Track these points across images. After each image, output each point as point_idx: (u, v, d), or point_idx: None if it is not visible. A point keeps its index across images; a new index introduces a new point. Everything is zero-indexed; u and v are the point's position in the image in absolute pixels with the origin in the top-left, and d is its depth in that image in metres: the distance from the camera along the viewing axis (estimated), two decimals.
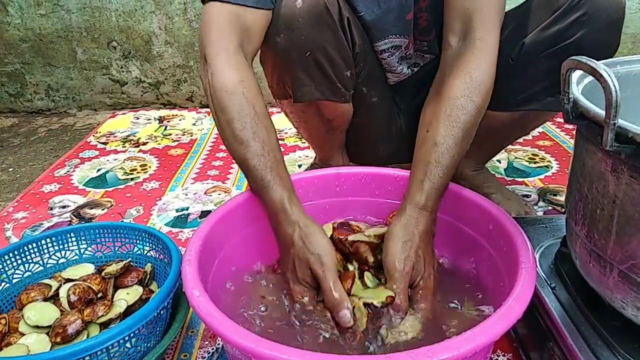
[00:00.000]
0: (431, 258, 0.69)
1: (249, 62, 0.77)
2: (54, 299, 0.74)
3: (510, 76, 0.89)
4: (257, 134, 0.69)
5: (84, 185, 1.36)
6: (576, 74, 0.58)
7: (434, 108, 0.74)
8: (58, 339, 0.66)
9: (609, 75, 0.45)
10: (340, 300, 0.62)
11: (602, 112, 0.47)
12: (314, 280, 0.66)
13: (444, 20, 0.85)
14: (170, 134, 1.74)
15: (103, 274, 0.77)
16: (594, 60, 0.48)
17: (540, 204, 1.17)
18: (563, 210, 1.13)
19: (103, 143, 1.68)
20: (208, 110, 2.00)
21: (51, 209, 1.24)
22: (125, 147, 1.64)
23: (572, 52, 0.81)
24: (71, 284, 0.74)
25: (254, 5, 0.74)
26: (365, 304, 0.64)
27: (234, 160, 0.73)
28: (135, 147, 1.63)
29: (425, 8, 0.91)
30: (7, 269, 0.79)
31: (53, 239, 0.83)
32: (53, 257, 0.84)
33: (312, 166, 1.26)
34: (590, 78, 0.60)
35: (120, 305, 0.72)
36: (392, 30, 0.91)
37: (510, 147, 1.47)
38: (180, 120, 1.89)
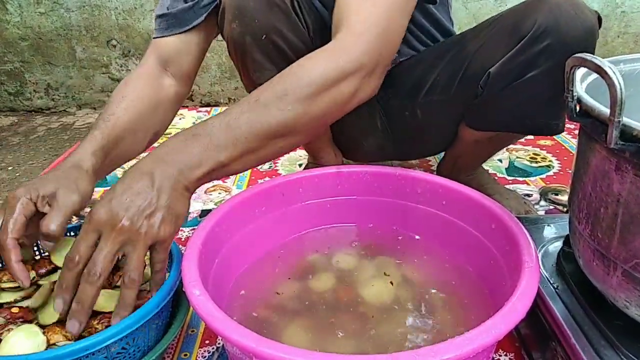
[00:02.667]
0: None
1: (170, 78, 0.88)
2: None
3: (482, 104, 0.86)
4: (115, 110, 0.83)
5: None
6: (580, 72, 0.58)
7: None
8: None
9: (614, 73, 0.45)
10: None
11: (607, 110, 0.47)
12: None
13: None
14: (170, 133, 1.73)
15: None
16: (598, 58, 0.48)
17: (542, 203, 1.17)
18: (565, 209, 1.12)
19: None
20: (208, 109, 2.00)
21: None
22: None
23: (541, 81, 0.76)
24: None
25: (161, 35, 0.85)
26: None
27: None
28: None
29: None
30: None
31: None
32: None
33: (307, 166, 1.25)
34: (594, 76, 0.60)
35: None
36: None
37: (511, 146, 1.47)
38: (180, 119, 1.89)
